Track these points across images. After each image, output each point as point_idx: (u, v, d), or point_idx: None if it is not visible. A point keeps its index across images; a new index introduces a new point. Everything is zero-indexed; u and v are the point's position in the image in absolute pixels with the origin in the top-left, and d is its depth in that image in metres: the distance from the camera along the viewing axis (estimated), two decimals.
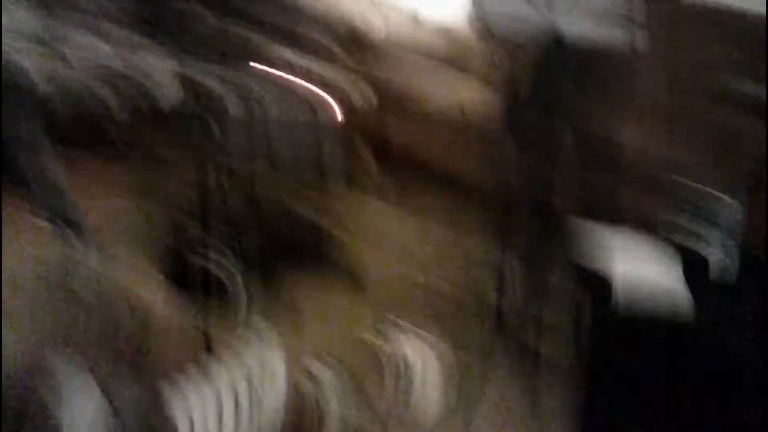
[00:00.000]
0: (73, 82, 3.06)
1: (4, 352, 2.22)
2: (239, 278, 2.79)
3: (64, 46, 3.24)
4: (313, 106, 3.24)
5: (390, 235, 3.34)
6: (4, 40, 2.53)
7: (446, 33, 3.75)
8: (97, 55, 3.22)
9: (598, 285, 1.86)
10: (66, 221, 2.68)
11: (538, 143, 2.31)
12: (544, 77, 2.21)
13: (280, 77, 3.46)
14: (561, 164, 2.30)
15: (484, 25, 2.00)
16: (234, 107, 3.12)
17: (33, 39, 3.22)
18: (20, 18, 2.31)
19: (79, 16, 3.42)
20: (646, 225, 2.07)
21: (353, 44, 4.20)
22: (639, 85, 2.18)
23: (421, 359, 2.41)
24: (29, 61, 2.95)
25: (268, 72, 3.17)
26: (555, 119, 2.29)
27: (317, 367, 2.32)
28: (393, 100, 3.49)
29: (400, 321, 2.58)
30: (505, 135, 2.00)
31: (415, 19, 4.02)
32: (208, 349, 2.42)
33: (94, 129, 3.15)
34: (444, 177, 3.26)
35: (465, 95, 3.14)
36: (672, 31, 2.09)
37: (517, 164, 2.09)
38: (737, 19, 1.97)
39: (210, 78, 3.49)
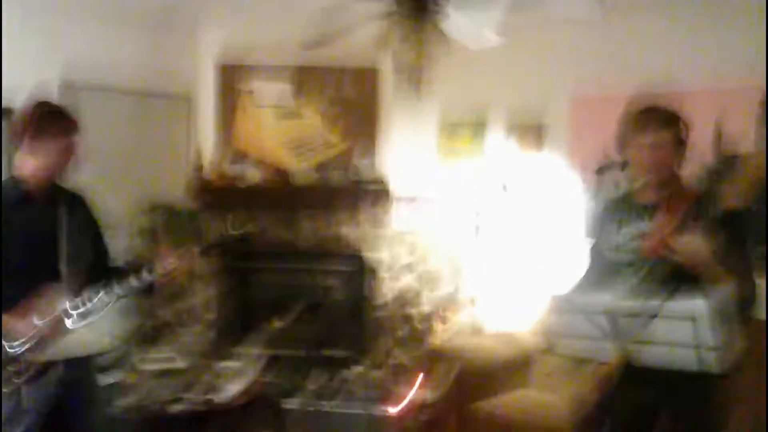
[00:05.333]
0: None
1: None
2: None
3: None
4: (372, 398, 3.43)
5: None
6: None
7: (508, 339, 3.93)
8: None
9: None
10: None
11: None
12: (615, 391, 2.13)
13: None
14: None
15: (549, 341, 2.05)
16: (295, 402, 3.41)
17: None
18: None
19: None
20: None
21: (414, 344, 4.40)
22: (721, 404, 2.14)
23: None
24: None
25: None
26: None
27: None
28: (453, 399, 3.56)
29: None
30: None
31: (476, 327, 4.25)
32: None
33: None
34: None
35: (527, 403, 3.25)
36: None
37: None
38: None
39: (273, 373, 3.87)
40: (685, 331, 1.70)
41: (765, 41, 3.14)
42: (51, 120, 2.31)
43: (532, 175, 4.16)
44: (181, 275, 2.45)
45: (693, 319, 1.68)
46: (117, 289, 2.35)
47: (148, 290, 2.43)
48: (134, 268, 2.42)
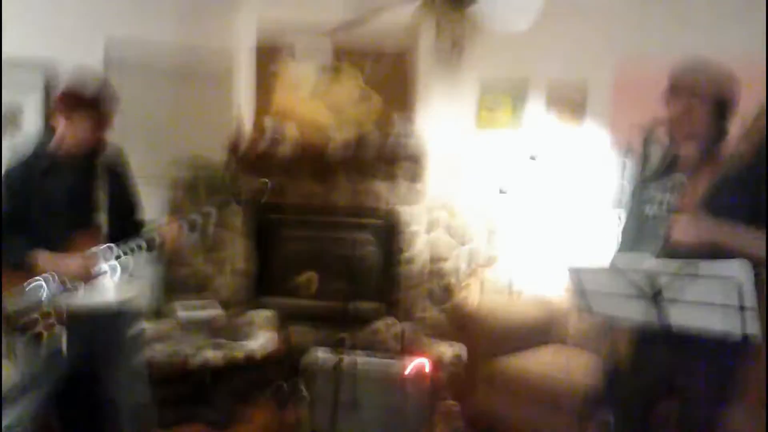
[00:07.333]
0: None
1: None
2: None
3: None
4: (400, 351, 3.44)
5: None
6: None
7: (541, 304, 3.89)
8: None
9: None
10: None
11: (639, 415, 2.26)
12: (645, 351, 2.16)
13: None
14: None
15: (583, 300, 2.04)
16: (322, 354, 3.36)
17: None
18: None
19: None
20: None
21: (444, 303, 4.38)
22: (747, 371, 2.12)
23: None
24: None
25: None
26: (657, 392, 2.24)
27: None
28: (480, 354, 3.58)
29: None
30: (602, 404, 2.05)
31: (510, 290, 4.20)
32: None
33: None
34: None
35: (560, 361, 3.26)
36: None
37: None
38: None
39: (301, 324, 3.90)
40: (725, 293, 1.72)
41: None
42: (78, 102, 2.44)
43: (568, 146, 4.15)
44: (171, 245, 2.51)
45: (732, 282, 1.70)
46: (141, 246, 2.47)
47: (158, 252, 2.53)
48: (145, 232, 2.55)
